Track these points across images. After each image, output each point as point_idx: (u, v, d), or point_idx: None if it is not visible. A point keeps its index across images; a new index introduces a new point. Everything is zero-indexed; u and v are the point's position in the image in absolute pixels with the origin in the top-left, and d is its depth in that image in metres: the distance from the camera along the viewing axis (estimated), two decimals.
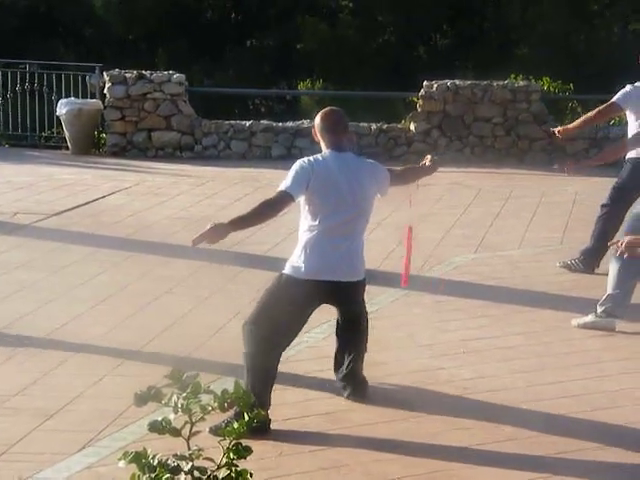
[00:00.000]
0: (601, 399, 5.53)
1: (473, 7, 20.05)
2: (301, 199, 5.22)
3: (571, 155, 13.68)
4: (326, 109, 5.49)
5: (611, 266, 6.82)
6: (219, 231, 5.03)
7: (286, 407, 5.29)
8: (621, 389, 5.69)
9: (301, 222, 5.29)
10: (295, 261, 5.21)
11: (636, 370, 6.00)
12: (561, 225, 9.92)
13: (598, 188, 11.89)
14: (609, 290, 6.74)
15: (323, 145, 5.40)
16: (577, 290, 7.64)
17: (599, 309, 6.74)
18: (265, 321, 5.11)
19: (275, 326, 5.08)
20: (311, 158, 5.30)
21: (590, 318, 6.75)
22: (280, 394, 5.47)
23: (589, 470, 4.68)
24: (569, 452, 4.85)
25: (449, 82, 14.00)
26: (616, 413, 5.33)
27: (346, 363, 5.47)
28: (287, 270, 5.22)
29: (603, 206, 8.26)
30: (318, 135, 5.41)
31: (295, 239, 5.33)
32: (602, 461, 4.77)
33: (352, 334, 5.46)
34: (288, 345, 5.27)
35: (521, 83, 14.22)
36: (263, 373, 5.04)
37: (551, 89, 15.09)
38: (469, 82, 14.14)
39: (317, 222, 5.19)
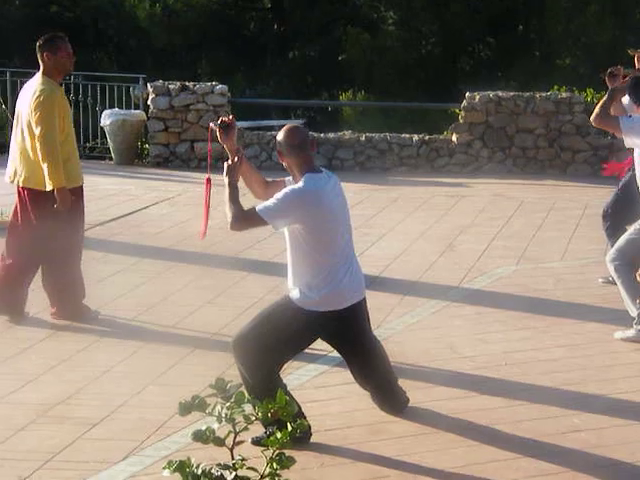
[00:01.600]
0: None
1: (516, 18, 19.99)
2: (297, 234, 5.01)
3: None
4: (289, 127, 5.14)
5: (620, 285, 6.79)
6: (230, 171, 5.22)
7: (329, 418, 5.30)
8: None
9: (300, 254, 5.06)
10: (307, 294, 5.03)
11: None
12: (604, 237, 9.82)
13: None
14: (632, 308, 6.72)
15: (296, 169, 5.07)
16: (620, 303, 7.56)
17: (636, 327, 6.71)
18: (259, 344, 4.94)
19: (268, 350, 4.93)
20: (302, 193, 4.96)
21: (633, 332, 6.71)
22: (322, 405, 5.48)
23: None
24: (614, 465, 4.82)
25: (492, 93, 13.96)
26: None
27: (384, 399, 5.36)
28: (299, 302, 5.05)
29: (605, 217, 8.16)
30: (285, 156, 5.07)
31: None
32: None
33: (372, 365, 5.28)
34: (280, 369, 5.07)
35: (564, 94, 14.15)
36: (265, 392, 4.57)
37: (595, 100, 14.97)
38: (512, 93, 14.10)
39: (326, 255, 5.01)
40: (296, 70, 20.19)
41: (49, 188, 6.71)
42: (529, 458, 4.88)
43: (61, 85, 7.03)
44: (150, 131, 14.28)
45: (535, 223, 10.53)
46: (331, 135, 14.25)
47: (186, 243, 9.48)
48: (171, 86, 14.19)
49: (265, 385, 4.84)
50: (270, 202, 5.01)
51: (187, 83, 14.30)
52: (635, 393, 5.76)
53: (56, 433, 5.08)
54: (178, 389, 5.48)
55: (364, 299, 5.22)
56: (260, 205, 5.03)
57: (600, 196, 12.16)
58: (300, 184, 5.04)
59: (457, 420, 5.34)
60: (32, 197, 6.84)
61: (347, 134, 14.30)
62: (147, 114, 14.34)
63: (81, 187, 7.01)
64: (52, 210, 6.72)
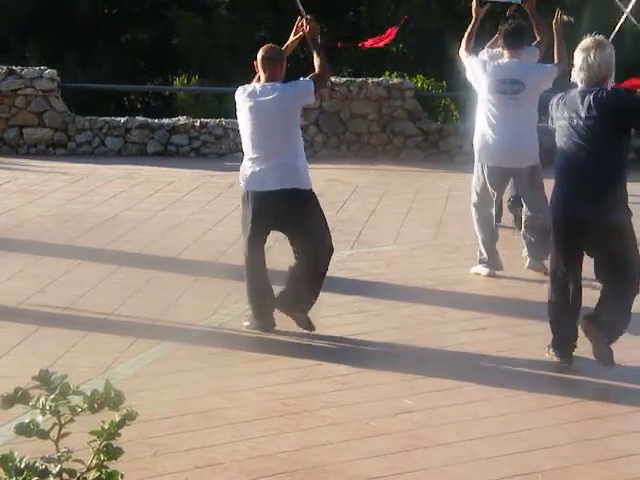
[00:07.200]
0: (473, 392, 5.64)
1: (346, 5, 20.15)
2: (299, 113, 6.84)
3: (445, 152, 13.91)
4: (268, 44, 6.65)
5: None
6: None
7: (163, 406, 5.25)
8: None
9: (298, 137, 6.84)
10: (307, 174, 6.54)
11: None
12: (435, 220, 10.05)
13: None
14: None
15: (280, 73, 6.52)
16: (449, 285, 7.75)
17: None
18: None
19: None
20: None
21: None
22: (156, 394, 5.42)
23: None
24: (440, 445, 4.93)
25: None
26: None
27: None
28: (310, 185, 6.50)
29: None
30: (260, 68, 6.54)
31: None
32: None
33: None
34: None
35: (395, 80, 14.37)
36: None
37: (425, 86, 15.26)
38: (345, 79, 14.22)
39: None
40: (129, 54, 19.86)
41: None
42: (361, 439, 4.94)
43: None
44: None
45: (369, 208, 10.66)
46: (166, 121, 14.09)
47: (15, 231, 9.22)
48: None
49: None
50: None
51: (14, 67, 13.89)
52: (462, 374, 5.90)
53: None
54: (5, 381, 5.32)
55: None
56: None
57: (432, 181, 12.40)
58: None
59: (291, 405, 5.36)
60: None
61: (182, 120, 14.17)
62: None
63: None
64: None
